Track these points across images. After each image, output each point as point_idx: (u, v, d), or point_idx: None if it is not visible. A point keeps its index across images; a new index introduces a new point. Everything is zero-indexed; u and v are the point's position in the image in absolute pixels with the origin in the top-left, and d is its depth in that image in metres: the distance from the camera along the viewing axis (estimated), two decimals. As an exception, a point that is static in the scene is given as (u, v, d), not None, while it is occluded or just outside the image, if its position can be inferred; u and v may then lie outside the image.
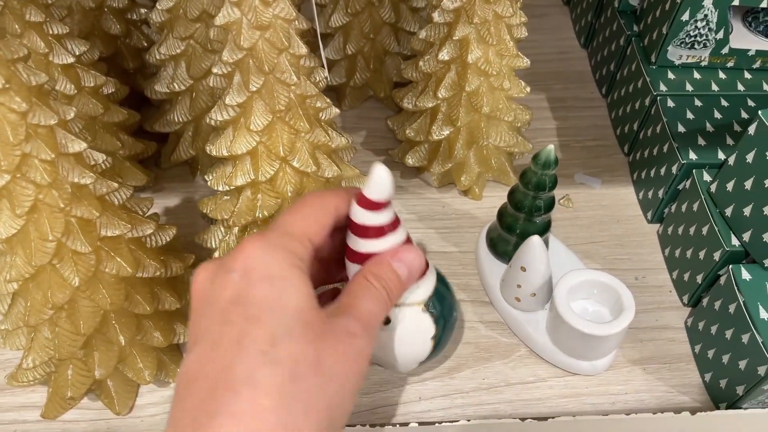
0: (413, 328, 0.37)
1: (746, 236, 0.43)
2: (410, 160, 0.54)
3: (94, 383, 0.41)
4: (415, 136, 0.53)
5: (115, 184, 0.36)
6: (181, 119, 0.51)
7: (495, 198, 0.55)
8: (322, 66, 0.41)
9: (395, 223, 0.34)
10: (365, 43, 0.58)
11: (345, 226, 0.34)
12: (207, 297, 0.28)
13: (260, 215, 0.43)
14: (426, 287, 0.37)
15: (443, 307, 0.38)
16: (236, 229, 0.46)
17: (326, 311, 0.29)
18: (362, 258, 0.34)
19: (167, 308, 0.41)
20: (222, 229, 0.47)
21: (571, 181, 0.56)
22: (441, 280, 0.39)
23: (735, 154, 0.43)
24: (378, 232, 0.33)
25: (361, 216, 0.33)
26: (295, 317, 0.27)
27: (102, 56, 0.53)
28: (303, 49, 0.38)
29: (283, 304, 0.27)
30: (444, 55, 0.47)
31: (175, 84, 0.49)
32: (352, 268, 0.34)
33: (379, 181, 0.32)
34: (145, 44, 0.55)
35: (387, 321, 0.36)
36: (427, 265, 0.37)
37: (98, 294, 0.37)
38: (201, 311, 0.28)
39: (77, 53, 0.44)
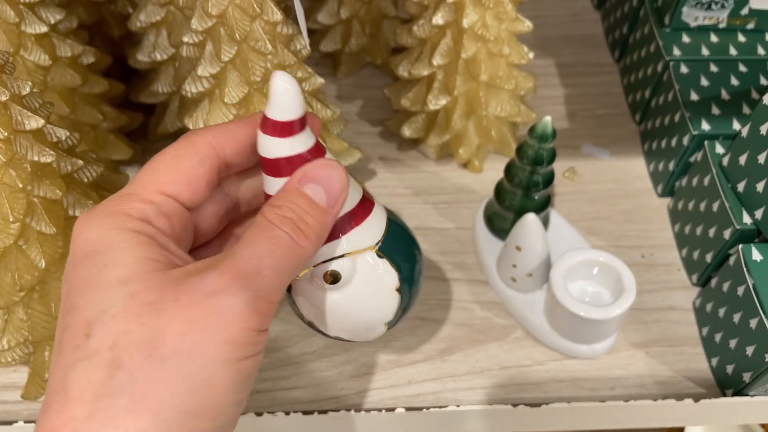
0: (371, 280, 0.29)
1: (759, 214, 0.40)
2: (407, 132, 0.52)
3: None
4: (411, 105, 0.50)
5: (81, 162, 0.34)
6: (165, 90, 0.49)
7: (496, 171, 0.52)
8: (301, 33, 0.38)
9: (318, 151, 0.26)
10: (361, 6, 0.55)
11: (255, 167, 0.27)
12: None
13: (241, 192, 0.41)
14: (376, 225, 0.28)
15: (403, 248, 0.30)
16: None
17: (183, 271, 0.22)
18: None
19: (145, 289, 0.40)
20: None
21: (578, 153, 0.53)
22: (394, 217, 0.31)
23: (748, 126, 0.40)
24: (294, 163, 0.25)
25: (270, 146, 0.25)
26: (117, 292, 0.21)
27: (84, 24, 0.51)
28: (278, 16, 0.36)
29: (103, 280, 0.21)
30: (438, 19, 0.44)
31: (156, 53, 0.47)
32: None
33: (282, 93, 0.24)
34: (131, 10, 0.53)
35: (335, 279, 0.28)
36: (371, 198, 0.29)
37: (68, 276, 0.36)
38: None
39: (52, 22, 0.43)
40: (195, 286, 0.21)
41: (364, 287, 0.29)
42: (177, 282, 0.22)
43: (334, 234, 0.27)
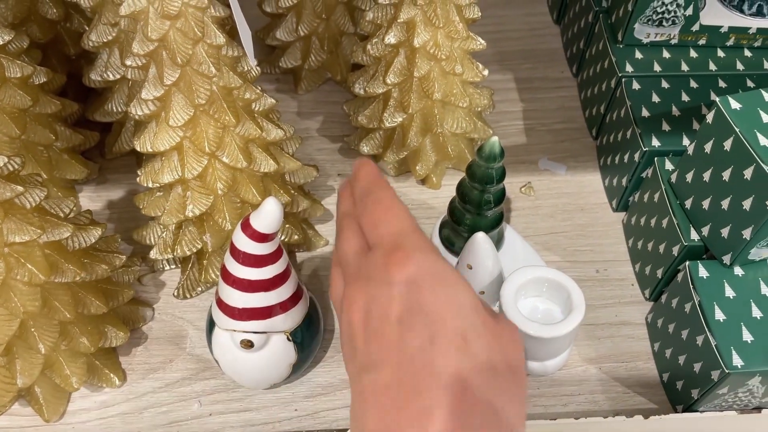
0: (277, 356, 0.38)
1: (705, 230, 0.40)
2: (365, 148, 0.52)
3: (21, 390, 0.40)
4: (368, 122, 0.50)
5: (20, 188, 0.34)
6: (119, 108, 0.49)
7: (454, 187, 0.52)
8: (247, 55, 0.38)
9: (277, 255, 0.35)
10: (319, 23, 0.55)
11: None
12: (371, 321, 0.27)
13: (190, 213, 0.41)
14: (296, 316, 0.38)
15: (309, 333, 0.39)
16: (173, 227, 0.44)
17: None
18: (234, 281, 0.34)
19: (93, 313, 0.39)
20: (160, 225, 0.45)
21: (535, 168, 0.54)
22: (313, 309, 0.40)
23: (694, 144, 0.40)
24: (258, 261, 0.34)
25: (244, 244, 0.33)
26: (475, 315, 0.27)
27: (39, 42, 0.51)
28: (221, 39, 0.36)
29: (461, 304, 0.26)
30: (390, 38, 0.45)
31: (108, 72, 0.47)
32: (224, 288, 0.35)
33: (268, 215, 0.32)
34: (86, 28, 0.52)
35: (249, 346, 0.37)
36: (303, 292, 0.39)
37: (10, 302, 0.35)
38: (366, 336, 0.27)
39: (0, 42, 0.42)
40: (501, 320, 0.28)
41: (268, 357, 0.38)
42: (494, 314, 0.28)
43: (264, 314, 0.36)
